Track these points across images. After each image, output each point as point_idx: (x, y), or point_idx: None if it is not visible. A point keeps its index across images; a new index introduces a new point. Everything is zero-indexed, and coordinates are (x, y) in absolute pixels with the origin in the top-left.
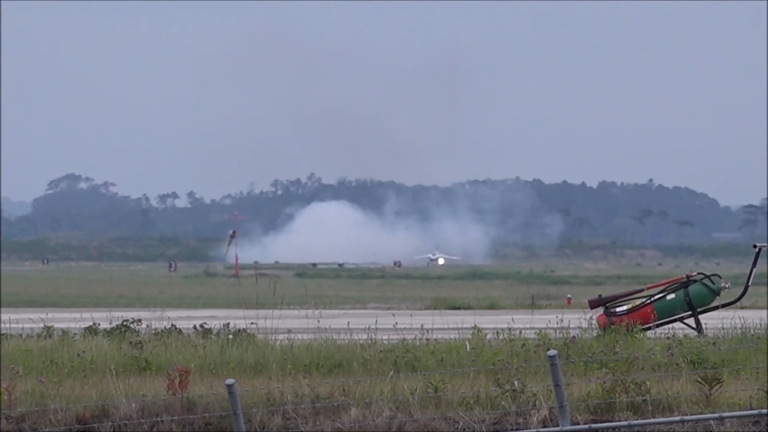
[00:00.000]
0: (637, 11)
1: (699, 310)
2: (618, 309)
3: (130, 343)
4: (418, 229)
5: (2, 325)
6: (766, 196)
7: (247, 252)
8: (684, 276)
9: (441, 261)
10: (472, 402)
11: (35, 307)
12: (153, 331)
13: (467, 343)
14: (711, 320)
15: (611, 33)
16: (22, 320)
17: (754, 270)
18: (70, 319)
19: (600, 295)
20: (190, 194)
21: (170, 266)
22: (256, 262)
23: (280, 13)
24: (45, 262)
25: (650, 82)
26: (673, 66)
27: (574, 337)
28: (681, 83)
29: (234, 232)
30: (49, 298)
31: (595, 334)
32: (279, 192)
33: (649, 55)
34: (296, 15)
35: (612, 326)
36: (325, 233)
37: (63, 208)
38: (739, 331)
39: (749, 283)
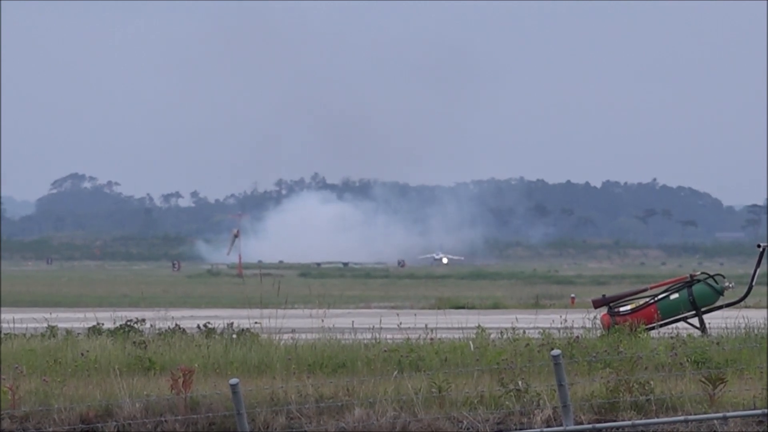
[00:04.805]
0: (637, 11)
1: (703, 309)
2: (622, 309)
3: (134, 342)
4: (422, 229)
5: (6, 325)
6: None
7: (251, 251)
8: (688, 276)
9: (445, 260)
10: (476, 401)
11: (39, 306)
12: (157, 331)
13: (471, 342)
14: (715, 320)
15: (613, 33)
16: (26, 320)
17: (758, 270)
18: (74, 319)
19: (604, 295)
20: (194, 194)
21: (174, 266)
22: (260, 262)
23: (284, 12)
24: (49, 261)
25: (652, 81)
26: (674, 66)
27: (577, 336)
28: (682, 83)
29: (237, 232)
30: (53, 297)
31: (598, 334)
32: (283, 191)
33: (650, 54)
34: (299, 15)
35: (616, 326)
36: (328, 233)
37: (66, 208)
38: (742, 330)
39: (753, 283)
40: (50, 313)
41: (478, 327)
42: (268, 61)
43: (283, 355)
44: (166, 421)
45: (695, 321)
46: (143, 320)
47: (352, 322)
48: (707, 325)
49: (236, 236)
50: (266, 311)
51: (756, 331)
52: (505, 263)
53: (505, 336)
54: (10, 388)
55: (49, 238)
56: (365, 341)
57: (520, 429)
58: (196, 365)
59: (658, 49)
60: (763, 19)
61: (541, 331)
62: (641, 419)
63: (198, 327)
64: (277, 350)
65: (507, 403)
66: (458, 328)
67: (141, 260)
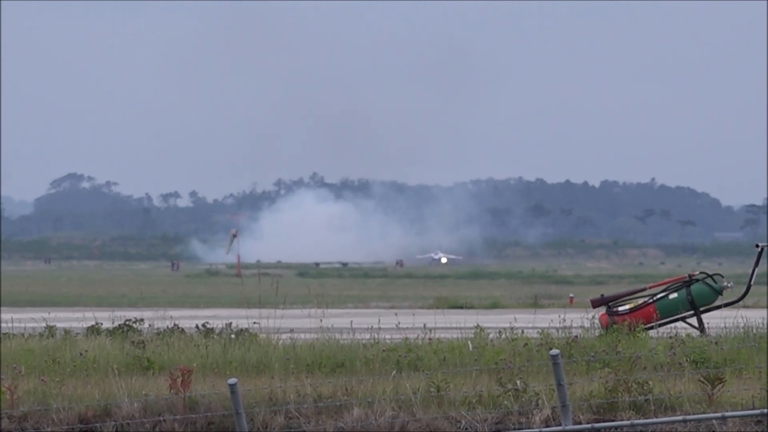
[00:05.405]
0: (637, 11)
1: (701, 309)
2: (620, 308)
3: (133, 342)
4: (420, 229)
5: (5, 325)
6: (767, 196)
7: (249, 251)
8: (686, 275)
9: (443, 260)
10: (474, 401)
11: (37, 306)
12: (155, 331)
13: (470, 342)
14: (713, 320)
15: (612, 33)
16: (24, 320)
17: (756, 269)
18: (73, 319)
19: (602, 295)
20: (193, 194)
21: (173, 265)
22: (258, 261)
23: (283, 12)
24: (47, 261)
25: (652, 81)
26: (674, 66)
27: (576, 336)
28: (682, 83)
29: (236, 232)
30: (51, 297)
31: (597, 334)
32: (282, 191)
33: (650, 54)
34: (298, 15)
35: (614, 326)
36: (326, 232)
37: (65, 208)
38: (741, 330)
39: (751, 283)
40: (49, 313)
41: (477, 327)
42: (267, 61)
43: (282, 354)
44: (164, 420)
45: (694, 321)
46: (142, 320)
47: (351, 322)
48: (706, 325)
49: (235, 236)
50: (265, 311)
51: (755, 330)
52: (504, 263)
53: (503, 336)
54: (9, 388)
55: (48, 238)
56: (364, 341)
57: (519, 429)
58: (195, 365)
59: (657, 49)
60: (763, 19)
61: (540, 330)
62: (640, 419)
63: (197, 327)
64: (276, 350)
65: (505, 402)
66: (457, 328)
67: (140, 260)
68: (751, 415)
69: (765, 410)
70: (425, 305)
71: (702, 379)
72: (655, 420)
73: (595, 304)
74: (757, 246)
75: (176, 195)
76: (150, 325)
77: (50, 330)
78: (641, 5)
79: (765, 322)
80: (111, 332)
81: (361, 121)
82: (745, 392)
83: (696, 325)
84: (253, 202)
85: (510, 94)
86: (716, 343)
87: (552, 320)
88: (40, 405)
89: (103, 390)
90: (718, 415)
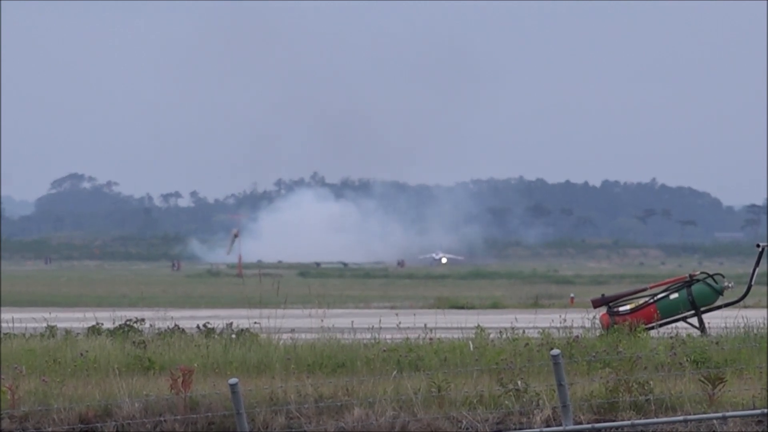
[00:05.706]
0: (637, 11)
1: (702, 309)
2: (621, 308)
3: (133, 342)
4: (421, 228)
5: (5, 325)
6: (767, 196)
7: (250, 251)
8: (687, 275)
9: (444, 260)
10: (475, 401)
11: (38, 306)
12: (156, 331)
13: (470, 342)
14: (714, 320)
15: (613, 33)
16: (25, 320)
17: (757, 269)
18: (73, 319)
19: (603, 295)
20: (193, 194)
21: (173, 265)
22: (259, 261)
23: (282, 12)
24: (47, 261)
25: (652, 81)
26: (674, 66)
27: (577, 336)
28: (682, 83)
29: (237, 232)
30: (52, 297)
31: (598, 334)
32: (282, 191)
33: (650, 54)
34: (297, 15)
35: (615, 326)
36: (327, 232)
37: (66, 208)
38: (742, 330)
39: (752, 283)
40: (49, 313)
41: (478, 327)
42: (267, 61)
43: (283, 354)
44: (165, 420)
45: (694, 321)
46: (143, 320)
47: (352, 321)
48: (706, 325)
49: (236, 236)
50: (265, 311)
51: (755, 330)
52: (505, 263)
53: (504, 336)
54: (10, 388)
55: (49, 238)
56: (364, 341)
57: (520, 429)
58: (196, 365)
59: (658, 49)
60: (763, 19)
61: (541, 330)
62: (640, 419)
63: (197, 327)
64: (277, 350)
65: (506, 402)
66: (457, 328)
67: (140, 260)
68: (752, 415)
69: (765, 410)
70: (426, 305)
71: (703, 379)
72: (655, 420)
73: (596, 304)
74: (758, 246)
75: (177, 195)
76: (151, 325)
77: (51, 330)
78: (641, 5)
79: (765, 322)
80: (112, 332)
81: (361, 121)
82: (746, 392)
83: (697, 325)
84: (254, 202)
85: (510, 94)
86: (717, 343)
87: (553, 320)
88: (41, 405)
89: (104, 390)
90: (719, 415)
